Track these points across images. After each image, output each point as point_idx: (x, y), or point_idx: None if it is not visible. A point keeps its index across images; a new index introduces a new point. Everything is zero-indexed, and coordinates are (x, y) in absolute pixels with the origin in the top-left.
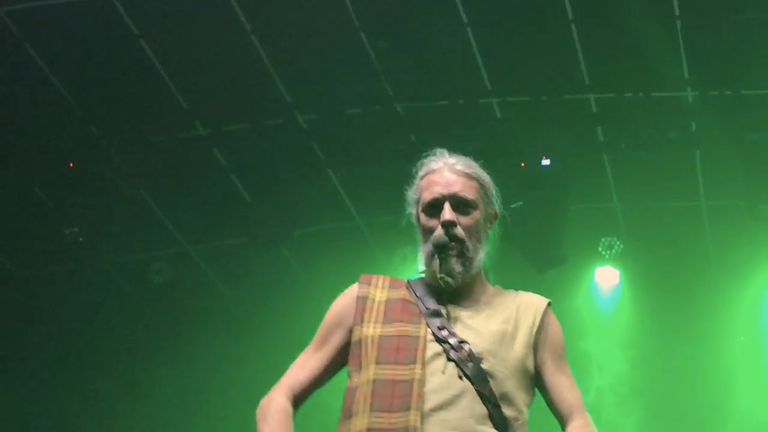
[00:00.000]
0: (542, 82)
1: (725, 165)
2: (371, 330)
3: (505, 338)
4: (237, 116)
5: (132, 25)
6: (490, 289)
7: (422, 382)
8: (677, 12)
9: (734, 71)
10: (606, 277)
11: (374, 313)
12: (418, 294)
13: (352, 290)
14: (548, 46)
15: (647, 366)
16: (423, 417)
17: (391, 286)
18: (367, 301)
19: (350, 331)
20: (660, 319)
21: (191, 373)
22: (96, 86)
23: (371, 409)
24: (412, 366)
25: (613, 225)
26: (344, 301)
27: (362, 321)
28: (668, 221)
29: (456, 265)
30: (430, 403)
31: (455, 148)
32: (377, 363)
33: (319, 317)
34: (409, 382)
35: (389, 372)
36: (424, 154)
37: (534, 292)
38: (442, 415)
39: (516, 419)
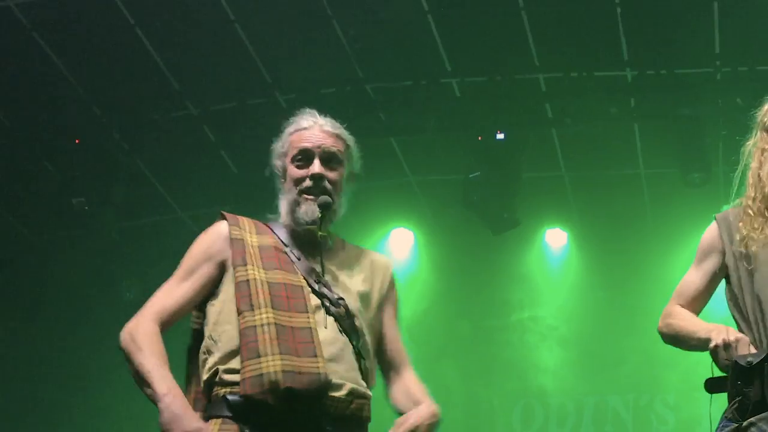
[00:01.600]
0: (496, 64)
1: (661, 137)
2: (257, 273)
3: (366, 298)
4: (224, 97)
5: (129, 15)
6: (339, 241)
7: (317, 331)
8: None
9: (668, 53)
10: (555, 239)
11: (253, 257)
12: (285, 242)
13: (222, 229)
14: (502, 31)
15: (591, 317)
16: (325, 365)
17: (258, 231)
18: (244, 243)
19: (221, 268)
20: (603, 275)
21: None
22: (98, 71)
23: (280, 352)
24: (305, 314)
25: (561, 191)
26: (213, 238)
27: (245, 263)
28: (610, 188)
29: (328, 215)
30: (326, 354)
31: (419, 124)
32: (273, 307)
33: None
34: (308, 330)
35: (286, 318)
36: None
37: (491, 252)
38: (333, 366)
39: (372, 371)
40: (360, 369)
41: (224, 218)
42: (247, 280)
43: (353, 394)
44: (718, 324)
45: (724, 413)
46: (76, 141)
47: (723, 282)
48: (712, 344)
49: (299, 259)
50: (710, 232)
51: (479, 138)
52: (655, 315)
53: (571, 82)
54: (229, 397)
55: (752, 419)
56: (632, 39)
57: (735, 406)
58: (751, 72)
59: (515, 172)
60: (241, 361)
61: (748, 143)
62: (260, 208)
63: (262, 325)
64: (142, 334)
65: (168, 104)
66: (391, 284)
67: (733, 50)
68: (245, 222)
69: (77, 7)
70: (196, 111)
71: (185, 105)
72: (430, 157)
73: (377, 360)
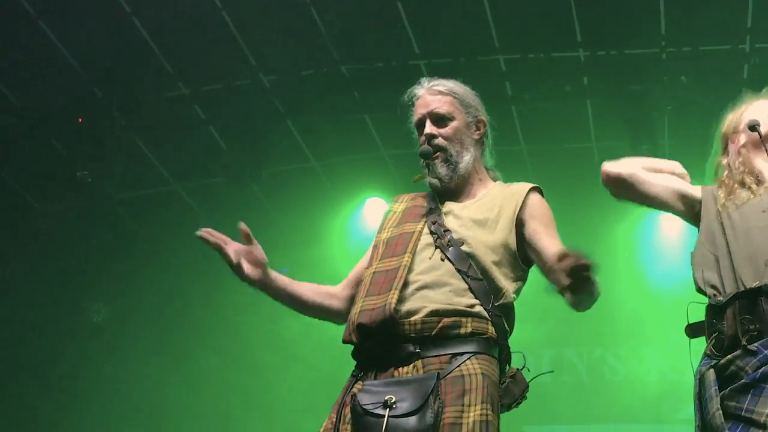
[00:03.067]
0: (460, 46)
1: (611, 112)
2: (384, 234)
3: (487, 223)
4: (213, 78)
5: (125, 5)
6: (491, 184)
7: (408, 267)
8: None
9: (618, 35)
10: None
11: (390, 222)
12: (428, 199)
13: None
14: (465, 16)
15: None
16: (406, 296)
17: (413, 198)
18: (389, 213)
19: None
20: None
21: (182, 279)
22: (98, 56)
23: (366, 295)
24: (402, 256)
25: (520, 163)
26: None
27: (380, 230)
28: (565, 159)
29: (442, 169)
30: (416, 284)
31: (388, 104)
32: (380, 259)
33: (282, 240)
34: (396, 269)
35: (386, 264)
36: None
37: None
38: (424, 292)
39: (499, 290)
40: (471, 290)
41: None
42: (376, 245)
43: (437, 313)
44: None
45: (704, 351)
46: (79, 120)
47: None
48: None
49: (431, 208)
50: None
51: None
52: (605, 273)
53: (528, 63)
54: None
55: (729, 357)
56: (585, 22)
57: (712, 342)
58: (694, 52)
59: (488, 149)
60: None
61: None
62: (246, 176)
63: (364, 279)
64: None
65: (162, 85)
66: (528, 203)
67: (677, 32)
68: (407, 196)
69: None
70: (187, 91)
71: (177, 86)
72: (401, 133)
73: (543, 272)
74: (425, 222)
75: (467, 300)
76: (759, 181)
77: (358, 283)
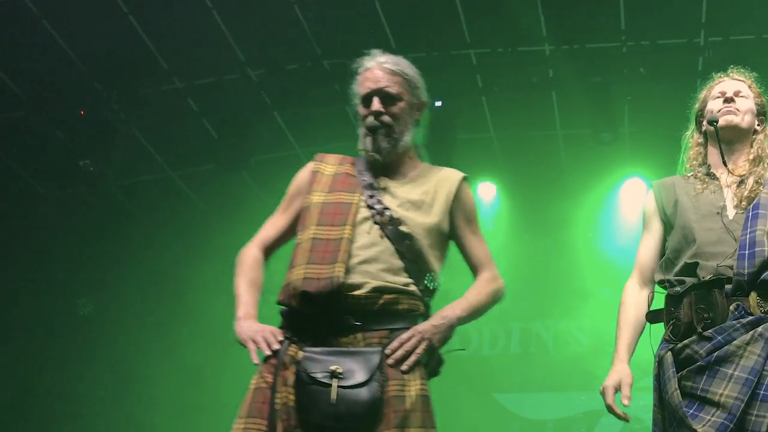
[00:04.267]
0: (434, 42)
1: (575, 102)
2: (316, 198)
3: (423, 206)
4: (204, 73)
5: (123, 5)
6: (420, 165)
7: (350, 240)
8: None
9: (581, 30)
10: (486, 190)
11: (321, 184)
12: (359, 169)
13: (309, 166)
14: (438, 13)
15: (517, 255)
16: (349, 269)
17: (340, 163)
18: (318, 174)
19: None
20: (527, 220)
21: (178, 260)
22: (98, 53)
23: (308, 262)
24: (343, 227)
25: (491, 150)
26: (303, 174)
27: (310, 191)
28: (532, 146)
29: (384, 143)
30: (357, 258)
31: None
32: (317, 225)
33: None
34: (339, 240)
35: (325, 232)
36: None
37: None
38: (365, 267)
39: (429, 271)
40: (406, 270)
41: (315, 157)
42: (308, 206)
43: (379, 290)
44: (617, 370)
45: (663, 336)
46: (81, 112)
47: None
48: (602, 388)
49: (365, 180)
50: (648, 199)
51: None
52: (569, 251)
53: (497, 57)
54: (282, 309)
55: (685, 341)
56: (550, 18)
57: (670, 328)
58: (652, 45)
59: (451, 134)
60: (286, 272)
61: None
62: (236, 164)
63: (303, 242)
64: (246, 259)
65: (158, 80)
66: (459, 195)
67: (636, 27)
68: (332, 158)
69: None
70: (181, 85)
71: (172, 80)
72: None
73: (466, 262)
74: (360, 195)
75: (403, 279)
76: (711, 175)
77: (278, 241)
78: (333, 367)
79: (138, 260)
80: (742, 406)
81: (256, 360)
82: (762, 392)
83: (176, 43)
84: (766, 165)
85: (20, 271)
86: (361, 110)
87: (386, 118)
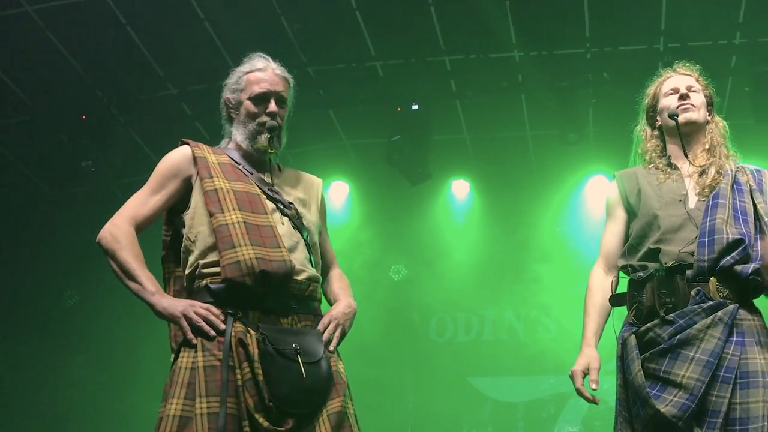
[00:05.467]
0: (411, 49)
1: (543, 105)
2: (221, 183)
3: (306, 204)
4: (197, 79)
5: (121, 16)
6: (277, 166)
7: (276, 228)
8: None
9: (548, 37)
10: (460, 188)
11: (216, 171)
12: (235, 161)
13: (185, 150)
14: (414, 22)
15: (490, 248)
16: (288, 255)
17: (215, 153)
18: (206, 160)
19: (187, 184)
20: (499, 216)
21: None
22: (99, 61)
23: (251, 243)
24: (265, 215)
25: (464, 150)
26: (179, 157)
27: (210, 175)
28: (503, 146)
29: (277, 143)
30: (287, 246)
31: (351, 98)
32: (240, 210)
33: None
34: (270, 227)
35: (251, 218)
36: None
37: (409, 201)
38: (294, 255)
39: (318, 261)
40: (310, 260)
41: (185, 143)
42: (215, 189)
43: (311, 279)
44: (585, 354)
45: (625, 319)
46: (83, 117)
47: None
48: (571, 372)
49: (252, 174)
50: (612, 189)
51: (398, 109)
52: (538, 245)
53: (470, 63)
54: (211, 285)
55: (648, 325)
56: (519, 27)
57: (633, 312)
58: (615, 51)
59: (427, 136)
60: (219, 252)
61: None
62: None
63: (233, 223)
64: (124, 235)
65: (154, 86)
66: (322, 197)
67: (600, 34)
68: (203, 146)
69: (82, 11)
70: (175, 91)
71: (167, 86)
72: (360, 125)
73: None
74: (257, 186)
75: (315, 269)
76: (673, 166)
77: (148, 220)
78: (294, 345)
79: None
80: (703, 387)
81: (192, 336)
82: (722, 374)
83: (170, 52)
84: (721, 154)
85: (26, 262)
86: (251, 107)
87: (278, 120)
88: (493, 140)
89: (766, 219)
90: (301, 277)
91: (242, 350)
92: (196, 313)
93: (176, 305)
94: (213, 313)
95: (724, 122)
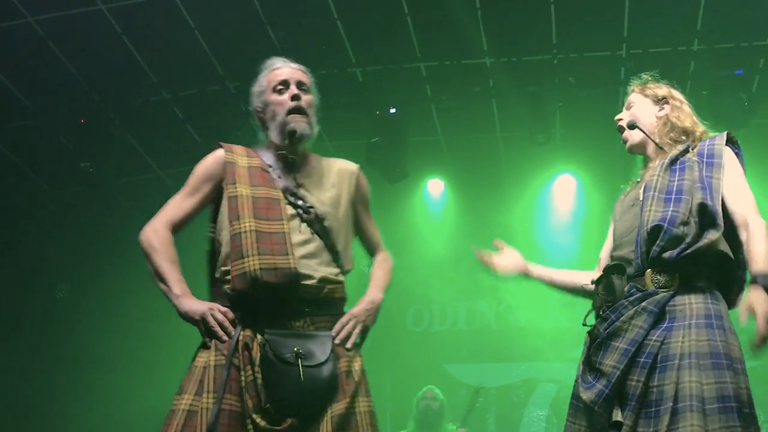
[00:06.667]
0: (389, 56)
1: (513, 108)
2: (243, 190)
3: (335, 201)
4: (189, 85)
5: (117, 26)
6: (312, 156)
7: (290, 235)
8: (478, 4)
9: (518, 44)
10: (435, 186)
11: (241, 177)
12: (267, 163)
13: (219, 154)
14: (391, 31)
15: (463, 243)
16: (296, 261)
17: (248, 155)
18: (235, 166)
19: (219, 187)
20: (471, 212)
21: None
22: (96, 68)
23: (259, 253)
24: (280, 222)
25: (439, 151)
26: (213, 162)
27: (234, 182)
28: (475, 147)
29: (306, 127)
30: (299, 252)
31: (332, 102)
32: (254, 218)
33: None
34: (282, 234)
35: (265, 225)
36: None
37: (388, 198)
38: (307, 261)
39: (348, 260)
40: (334, 261)
41: (221, 147)
42: (236, 196)
43: (324, 281)
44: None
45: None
46: (82, 120)
47: None
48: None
49: (279, 177)
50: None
51: (377, 112)
52: (508, 240)
53: (444, 69)
54: (228, 291)
55: (595, 323)
56: (490, 34)
57: (589, 315)
58: (580, 57)
59: (404, 137)
60: (231, 262)
61: None
62: None
63: (245, 232)
64: (160, 239)
65: (148, 91)
66: (359, 186)
67: (566, 41)
68: (238, 149)
69: (81, 21)
70: (168, 96)
71: (160, 92)
72: (341, 127)
73: (362, 245)
74: (281, 191)
75: (335, 269)
76: (641, 177)
77: (183, 222)
78: (296, 349)
79: (133, 247)
80: (618, 373)
81: (207, 339)
82: (642, 359)
83: (164, 60)
84: (671, 146)
85: (28, 259)
86: (275, 98)
87: (303, 104)
88: (466, 141)
89: (696, 185)
90: (312, 281)
91: (247, 354)
92: (213, 317)
93: (197, 309)
94: (228, 318)
95: (686, 109)
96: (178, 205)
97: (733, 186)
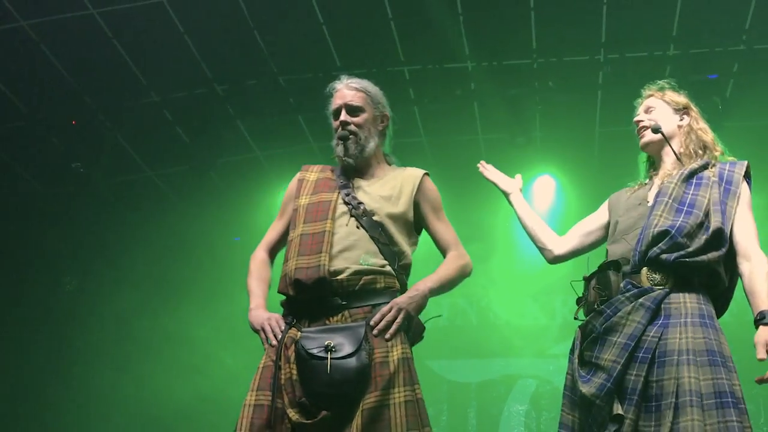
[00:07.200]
0: (373, 60)
1: (494, 111)
2: (303, 200)
3: (391, 199)
4: (177, 88)
5: (108, 31)
6: (388, 168)
7: (332, 232)
8: (460, 10)
9: (499, 49)
10: None
11: (306, 189)
12: (337, 174)
13: (296, 176)
14: (376, 35)
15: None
16: (332, 257)
17: (322, 170)
18: (303, 182)
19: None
20: (452, 209)
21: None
22: (87, 70)
23: (298, 255)
24: (325, 221)
25: (422, 152)
26: (291, 184)
27: (298, 195)
28: (457, 149)
29: (353, 149)
30: (338, 246)
31: (316, 106)
32: (304, 222)
33: (234, 214)
34: (322, 233)
35: (310, 227)
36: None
37: None
38: (346, 254)
39: (401, 252)
40: (381, 252)
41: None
42: (297, 207)
43: (360, 273)
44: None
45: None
46: (73, 122)
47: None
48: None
49: (342, 183)
50: (604, 204)
51: None
52: (489, 239)
53: (427, 73)
54: (282, 298)
55: (588, 318)
56: (472, 39)
57: (583, 309)
58: (559, 62)
59: (388, 139)
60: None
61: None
62: (205, 165)
63: (295, 237)
64: (256, 261)
65: (138, 94)
66: (423, 188)
67: (545, 46)
68: (315, 167)
69: (73, 25)
70: (157, 98)
71: (150, 94)
72: (327, 129)
73: (435, 245)
74: (338, 193)
75: (379, 261)
76: (650, 178)
77: (279, 242)
78: (326, 342)
79: (123, 246)
80: (619, 367)
81: (266, 344)
82: (641, 355)
83: (153, 63)
84: (692, 158)
85: (21, 257)
86: (334, 123)
87: (353, 127)
88: (448, 143)
89: (713, 207)
90: (344, 274)
91: (288, 353)
92: (268, 325)
93: (258, 319)
94: (280, 324)
95: (703, 123)
96: (273, 227)
97: (743, 217)
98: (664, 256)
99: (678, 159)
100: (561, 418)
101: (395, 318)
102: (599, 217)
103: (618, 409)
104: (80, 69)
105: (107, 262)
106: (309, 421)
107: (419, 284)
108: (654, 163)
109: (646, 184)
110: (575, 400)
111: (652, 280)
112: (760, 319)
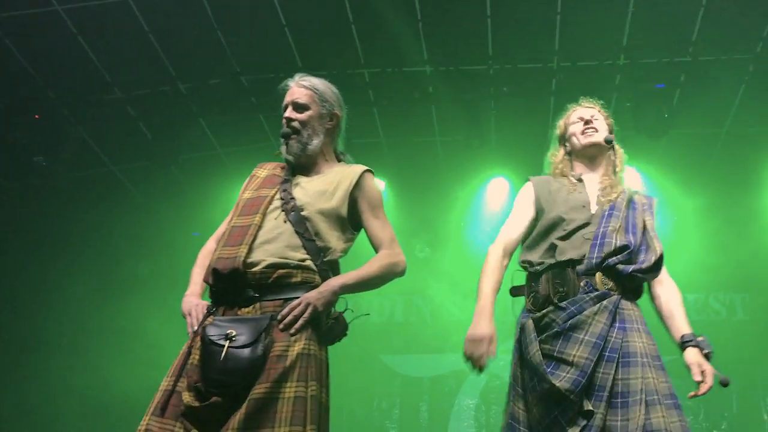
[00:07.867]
0: (334, 62)
1: (450, 114)
2: (246, 195)
3: (325, 194)
4: (142, 85)
5: (73, 27)
6: (336, 164)
7: (258, 225)
8: (419, 16)
9: (456, 54)
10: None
11: (253, 185)
12: (285, 171)
13: (252, 173)
14: (337, 38)
15: (402, 238)
16: (251, 249)
17: (274, 168)
18: (253, 178)
19: None
20: (410, 208)
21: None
22: (51, 66)
23: (223, 246)
24: (255, 215)
25: (380, 152)
26: (245, 181)
27: (245, 191)
28: (415, 150)
29: (294, 147)
30: (261, 239)
31: (277, 106)
32: (238, 215)
33: (194, 208)
34: (248, 226)
35: (241, 220)
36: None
37: None
38: (266, 246)
39: (328, 249)
40: (303, 247)
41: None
42: (238, 202)
43: (275, 266)
44: (477, 333)
45: (523, 307)
46: (36, 116)
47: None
48: (477, 337)
49: (285, 178)
50: (527, 188)
51: None
52: (445, 238)
53: (386, 75)
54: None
55: (544, 311)
56: (430, 45)
57: (530, 300)
58: (514, 68)
59: (348, 139)
60: None
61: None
62: (167, 161)
63: (225, 231)
64: (203, 251)
65: (102, 90)
66: (361, 184)
67: (501, 53)
68: (269, 164)
69: (38, 20)
70: (121, 95)
71: (114, 90)
72: None
73: (370, 243)
74: (278, 189)
75: (300, 255)
76: (580, 180)
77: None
78: (228, 331)
79: (84, 239)
80: (592, 365)
81: (190, 330)
82: (607, 354)
83: (117, 60)
84: (619, 174)
85: None
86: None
87: (296, 124)
88: (406, 144)
89: (651, 233)
90: (260, 267)
91: (197, 339)
92: (194, 312)
93: (187, 305)
94: (202, 310)
95: (623, 151)
96: (225, 221)
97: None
98: (620, 266)
99: (615, 173)
100: (510, 411)
101: (302, 313)
102: (527, 213)
103: (587, 405)
104: (44, 64)
105: (66, 254)
106: (198, 405)
107: (332, 280)
108: (570, 165)
109: (574, 183)
110: (523, 393)
111: (606, 285)
112: (687, 342)
